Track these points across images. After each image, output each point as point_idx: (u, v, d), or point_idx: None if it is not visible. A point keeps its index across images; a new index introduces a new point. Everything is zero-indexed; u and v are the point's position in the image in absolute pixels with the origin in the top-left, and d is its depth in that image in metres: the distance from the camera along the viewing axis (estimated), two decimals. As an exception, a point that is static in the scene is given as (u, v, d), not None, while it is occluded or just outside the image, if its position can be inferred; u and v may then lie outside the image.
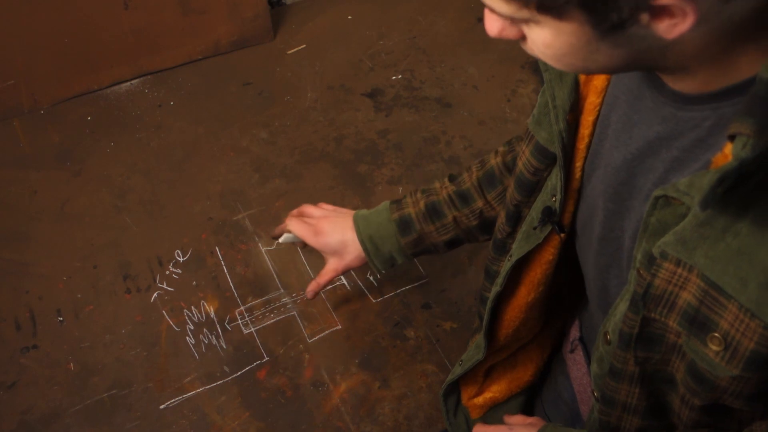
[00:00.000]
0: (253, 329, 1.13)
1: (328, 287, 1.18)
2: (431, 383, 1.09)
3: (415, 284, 1.20)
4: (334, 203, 1.29)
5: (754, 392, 0.57)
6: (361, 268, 1.13)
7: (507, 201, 0.85)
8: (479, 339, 0.92)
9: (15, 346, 1.10)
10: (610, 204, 0.69)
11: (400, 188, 1.33)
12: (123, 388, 1.06)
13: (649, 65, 0.56)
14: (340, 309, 1.16)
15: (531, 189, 0.81)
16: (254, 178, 1.34)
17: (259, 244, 1.24)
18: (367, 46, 1.60)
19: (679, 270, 0.57)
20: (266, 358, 1.10)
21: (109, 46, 1.43)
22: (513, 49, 1.60)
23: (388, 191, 1.33)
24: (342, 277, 1.20)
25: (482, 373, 0.98)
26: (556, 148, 0.73)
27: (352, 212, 1.06)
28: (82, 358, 1.09)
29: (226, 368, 1.09)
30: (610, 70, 0.57)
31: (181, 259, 1.21)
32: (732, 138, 0.50)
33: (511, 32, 0.56)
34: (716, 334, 0.56)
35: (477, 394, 1.00)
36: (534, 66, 1.56)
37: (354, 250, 1.03)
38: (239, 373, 1.08)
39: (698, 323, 0.57)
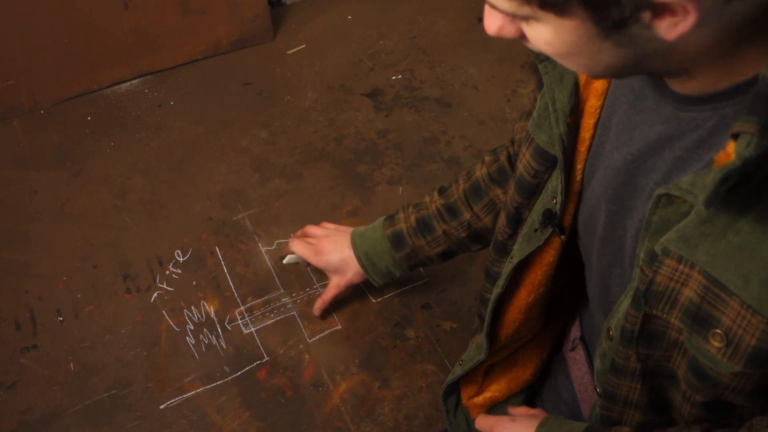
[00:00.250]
0: (253, 329, 1.13)
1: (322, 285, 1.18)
2: (431, 383, 1.09)
3: (415, 284, 1.20)
4: (334, 203, 1.30)
5: (755, 388, 0.58)
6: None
7: (507, 203, 0.86)
8: (480, 339, 0.92)
9: (15, 346, 1.10)
10: (611, 205, 0.69)
11: (400, 188, 1.33)
12: (123, 388, 1.06)
13: (653, 69, 0.56)
14: (340, 309, 1.16)
15: (531, 191, 0.81)
16: (254, 178, 1.34)
17: (259, 244, 1.24)
18: (367, 46, 1.60)
19: (681, 267, 0.57)
20: (266, 358, 1.10)
21: (109, 46, 1.43)
22: (513, 49, 1.60)
23: (388, 191, 1.33)
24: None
25: (482, 372, 0.99)
26: (556, 151, 0.73)
27: (351, 230, 1.10)
28: (82, 358, 1.09)
29: (226, 368, 1.09)
30: (615, 72, 0.57)
31: (181, 259, 1.21)
32: (735, 137, 0.50)
33: (510, 31, 0.56)
34: (718, 331, 0.56)
35: (477, 394, 1.00)
36: (534, 66, 1.56)
37: (353, 267, 1.08)
38: (239, 373, 1.08)
39: (700, 320, 0.57)
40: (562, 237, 0.79)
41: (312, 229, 1.15)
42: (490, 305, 0.88)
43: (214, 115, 1.44)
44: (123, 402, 1.05)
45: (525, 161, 0.80)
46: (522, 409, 0.90)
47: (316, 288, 1.19)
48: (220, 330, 1.13)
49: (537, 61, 0.72)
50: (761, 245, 0.52)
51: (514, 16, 0.54)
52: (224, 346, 1.11)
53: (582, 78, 0.71)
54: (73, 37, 1.39)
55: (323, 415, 1.05)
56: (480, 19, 1.67)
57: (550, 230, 0.79)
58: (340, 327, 1.14)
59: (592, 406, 0.78)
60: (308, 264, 1.14)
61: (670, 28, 0.48)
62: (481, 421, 0.89)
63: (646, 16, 0.48)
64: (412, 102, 1.48)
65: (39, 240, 1.23)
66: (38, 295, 1.16)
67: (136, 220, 1.26)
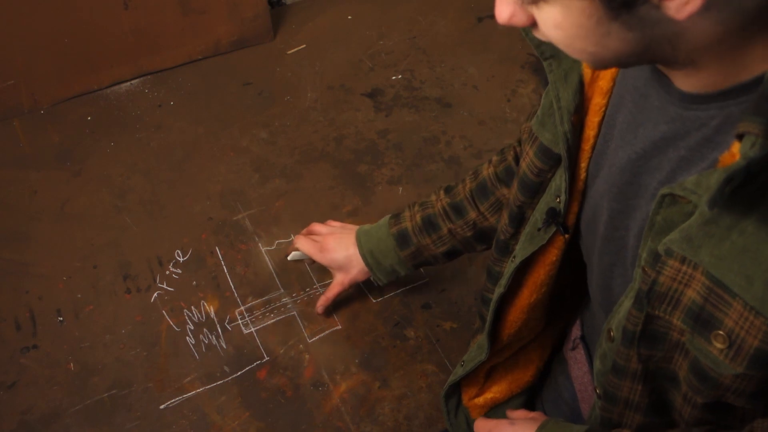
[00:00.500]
0: (253, 329, 1.13)
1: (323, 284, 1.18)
2: (431, 383, 1.09)
3: (415, 284, 1.20)
4: (334, 203, 1.30)
5: (756, 390, 0.58)
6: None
7: (510, 202, 0.86)
8: (481, 339, 0.92)
9: (15, 346, 1.10)
10: (615, 203, 0.69)
11: (400, 188, 1.33)
12: (123, 388, 1.06)
13: (660, 57, 0.55)
14: (340, 309, 1.16)
15: (535, 190, 0.81)
16: (254, 178, 1.34)
17: (259, 244, 1.24)
18: (367, 46, 1.60)
19: (684, 267, 0.57)
20: (266, 358, 1.10)
21: (109, 46, 1.43)
22: (513, 49, 1.60)
23: (388, 191, 1.33)
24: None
25: (483, 373, 0.99)
26: (560, 150, 0.73)
27: (356, 228, 1.10)
28: (82, 358, 1.09)
29: (226, 368, 1.09)
30: (622, 59, 0.56)
31: (181, 259, 1.21)
32: (740, 137, 0.50)
33: (521, 18, 0.56)
34: (720, 332, 0.56)
35: (478, 395, 1.00)
36: (534, 66, 1.56)
37: (358, 265, 1.08)
38: (239, 373, 1.08)
39: (702, 321, 0.57)
40: (566, 236, 0.79)
41: (317, 227, 1.16)
42: (492, 305, 0.88)
43: (214, 115, 1.44)
44: (123, 402, 1.05)
45: (528, 160, 0.80)
46: (521, 412, 0.90)
47: (317, 288, 1.19)
48: (220, 330, 1.13)
49: (542, 59, 0.71)
50: (765, 247, 0.52)
51: (523, 1, 0.54)
52: (224, 346, 1.11)
53: (587, 76, 0.71)
54: (73, 37, 1.39)
55: (323, 415, 1.05)
56: (480, 19, 1.67)
57: (553, 229, 0.79)
58: (340, 327, 1.14)
59: (591, 406, 0.78)
60: (312, 261, 1.14)
61: (680, 8, 0.47)
62: (480, 425, 0.89)
63: None
64: (412, 102, 1.48)
65: (39, 240, 1.23)
66: (38, 295, 1.16)
67: (136, 220, 1.26)
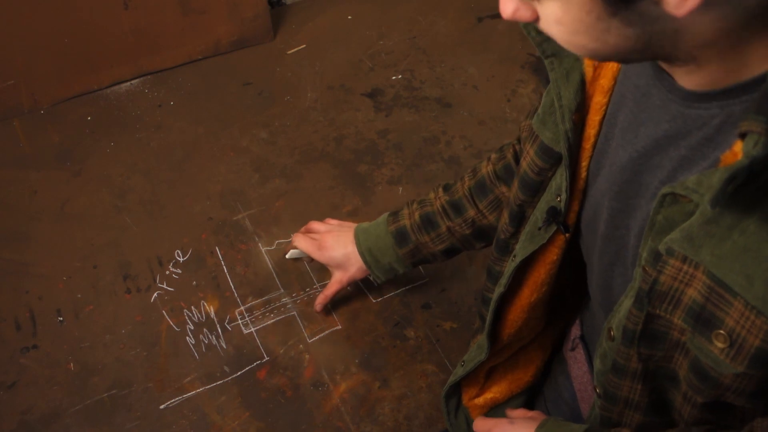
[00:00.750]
0: (253, 329, 1.13)
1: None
2: (431, 383, 1.09)
3: (415, 284, 1.20)
4: (334, 203, 1.30)
5: (756, 389, 0.58)
6: (362, 269, 1.13)
7: (510, 201, 0.86)
8: (481, 339, 0.92)
9: (15, 346, 1.10)
10: (615, 203, 0.69)
11: (400, 188, 1.33)
12: (123, 388, 1.06)
13: (661, 52, 0.55)
14: (340, 309, 1.16)
15: (535, 189, 0.81)
16: (254, 178, 1.34)
17: (259, 244, 1.24)
18: (367, 46, 1.60)
19: (685, 267, 0.57)
20: (266, 358, 1.10)
21: (109, 46, 1.43)
22: (513, 49, 1.60)
23: (388, 191, 1.33)
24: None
25: (483, 374, 0.99)
26: (561, 148, 0.73)
27: (355, 225, 1.10)
28: (82, 358, 1.09)
29: (226, 368, 1.09)
30: (623, 55, 0.56)
31: (181, 259, 1.21)
32: (742, 136, 0.50)
33: (525, 13, 0.56)
34: (721, 331, 0.56)
35: (478, 395, 1.00)
36: (534, 66, 1.56)
37: (356, 262, 1.08)
38: (239, 373, 1.08)
39: (703, 320, 0.57)
40: (567, 235, 0.79)
41: (315, 225, 1.16)
42: (492, 305, 0.88)
43: (214, 115, 1.44)
44: (123, 402, 1.05)
45: (529, 159, 0.80)
46: (520, 412, 0.90)
47: (316, 288, 1.19)
48: (220, 330, 1.13)
49: (543, 57, 0.71)
50: (766, 246, 0.52)
51: None
52: (224, 346, 1.11)
53: (588, 74, 0.71)
54: (73, 37, 1.38)
55: (323, 415, 1.05)
56: (480, 19, 1.67)
57: (553, 228, 0.79)
58: (340, 327, 1.14)
59: (591, 406, 0.78)
60: (311, 259, 1.14)
61: (679, 4, 0.47)
62: (479, 424, 0.89)
63: None
64: (412, 102, 1.48)
65: (39, 240, 1.23)
66: (38, 295, 1.16)
67: (136, 220, 1.26)
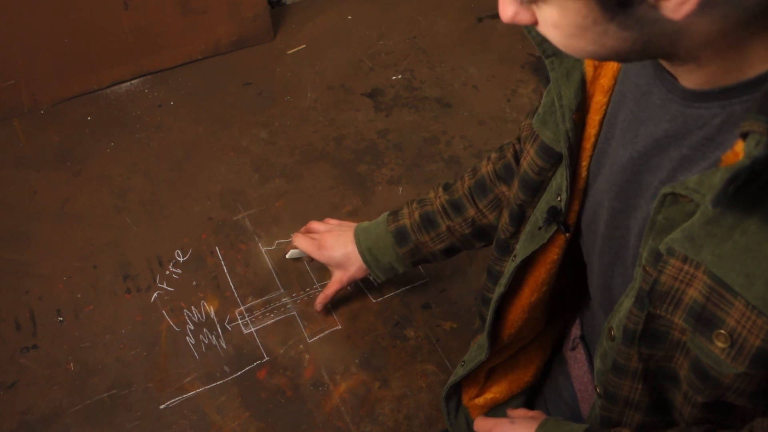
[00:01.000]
0: (253, 329, 1.13)
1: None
2: (431, 383, 1.09)
3: (415, 284, 1.20)
4: (334, 203, 1.30)
5: (757, 389, 0.58)
6: (362, 269, 1.13)
7: (511, 201, 0.86)
8: (482, 339, 0.92)
9: (15, 346, 1.10)
10: (616, 202, 0.69)
11: (400, 188, 1.33)
12: (123, 388, 1.06)
13: (660, 52, 0.55)
14: (340, 309, 1.16)
15: (536, 189, 0.81)
16: (254, 178, 1.34)
17: (259, 244, 1.24)
18: (367, 46, 1.60)
19: (686, 267, 0.57)
20: (266, 358, 1.10)
21: (109, 46, 1.43)
22: (513, 49, 1.60)
23: (388, 191, 1.33)
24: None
25: (483, 374, 0.99)
26: (562, 148, 0.73)
27: (354, 225, 1.10)
28: (82, 358, 1.09)
29: (226, 368, 1.09)
30: (621, 56, 0.56)
31: (181, 259, 1.21)
32: (744, 136, 0.50)
33: (524, 16, 0.56)
34: (722, 331, 0.56)
35: (478, 395, 1.00)
36: (534, 66, 1.56)
37: (356, 262, 1.08)
38: (239, 373, 1.08)
39: (704, 320, 0.57)
40: (567, 235, 0.79)
41: (315, 225, 1.16)
42: (492, 305, 0.88)
43: (214, 115, 1.44)
44: (123, 402, 1.05)
45: (529, 158, 0.80)
46: (521, 411, 0.90)
47: (316, 288, 1.18)
48: (220, 330, 1.13)
49: (544, 57, 0.71)
50: (767, 246, 0.52)
51: (522, 0, 0.54)
52: (224, 346, 1.11)
53: (589, 74, 0.71)
54: (73, 37, 1.38)
55: (323, 415, 1.05)
56: (480, 19, 1.67)
57: (554, 228, 0.79)
58: (340, 327, 1.14)
59: (591, 405, 0.78)
60: (311, 259, 1.14)
61: (677, 8, 0.48)
62: (480, 424, 0.89)
63: None
64: (412, 102, 1.48)
65: (39, 240, 1.23)
66: (38, 295, 1.16)
67: (136, 220, 1.26)
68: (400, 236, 1.04)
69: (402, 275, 1.10)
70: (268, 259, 1.22)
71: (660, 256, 0.59)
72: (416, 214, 1.03)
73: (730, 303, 0.55)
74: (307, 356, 1.11)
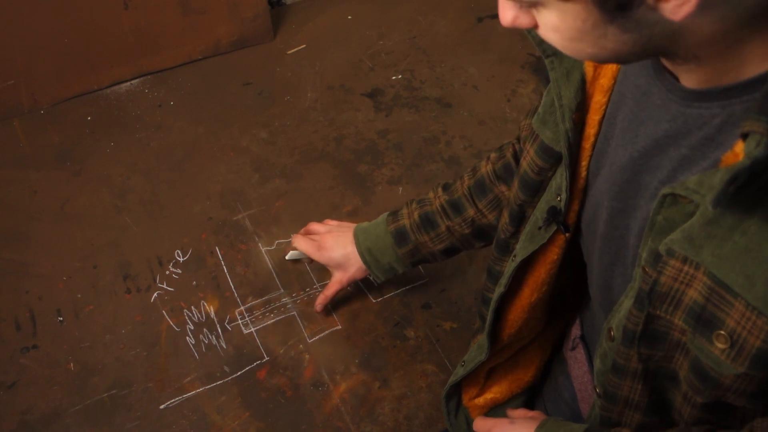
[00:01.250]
0: (253, 329, 1.13)
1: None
2: (431, 383, 1.09)
3: (415, 284, 1.20)
4: (334, 203, 1.30)
5: (756, 390, 0.58)
6: (362, 269, 1.13)
7: (511, 201, 0.86)
8: (482, 339, 0.92)
9: (15, 346, 1.10)
10: (615, 202, 0.69)
11: (400, 188, 1.33)
12: (123, 388, 1.06)
13: (660, 51, 0.55)
14: (340, 309, 1.16)
15: (535, 189, 0.81)
16: (254, 178, 1.34)
17: (259, 244, 1.24)
18: (367, 46, 1.60)
19: (686, 268, 0.57)
20: (266, 358, 1.10)
21: (109, 46, 1.43)
22: (513, 49, 1.60)
23: (388, 191, 1.33)
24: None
25: (483, 374, 0.99)
26: (561, 148, 0.73)
27: (354, 226, 1.10)
28: (82, 358, 1.09)
29: (226, 368, 1.09)
30: (621, 58, 0.56)
31: (181, 259, 1.21)
32: (744, 136, 0.50)
33: (524, 20, 0.56)
34: (722, 332, 0.56)
35: (478, 395, 1.00)
36: (534, 66, 1.56)
37: (356, 263, 1.08)
38: (239, 373, 1.08)
39: (704, 321, 0.57)
40: (567, 235, 0.79)
41: (315, 226, 1.16)
42: (492, 305, 0.88)
43: (214, 115, 1.44)
44: (123, 402, 1.05)
45: (529, 158, 0.80)
46: (521, 411, 0.90)
47: (316, 288, 1.19)
48: (220, 330, 1.13)
49: (544, 57, 0.71)
50: (767, 247, 0.52)
51: (521, 4, 0.54)
52: (224, 346, 1.11)
53: (588, 74, 0.71)
54: (73, 37, 1.38)
55: (323, 415, 1.05)
56: (480, 19, 1.67)
57: (554, 228, 0.79)
58: (340, 327, 1.14)
59: (591, 405, 0.78)
60: (311, 260, 1.14)
61: (676, 10, 0.48)
62: (479, 424, 0.89)
63: None
64: (412, 102, 1.48)
65: (39, 240, 1.23)
66: (38, 295, 1.16)
67: (136, 220, 1.26)
68: (400, 237, 1.04)
69: (402, 275, 1.10)
70: (268, 259, 1.22)
71: (659, 257, 0.59)
72: (416, 215, 1.03)
73: (730, 304, 0.55)
74: (307, 356, 1.11)
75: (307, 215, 1.26)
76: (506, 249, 0.88)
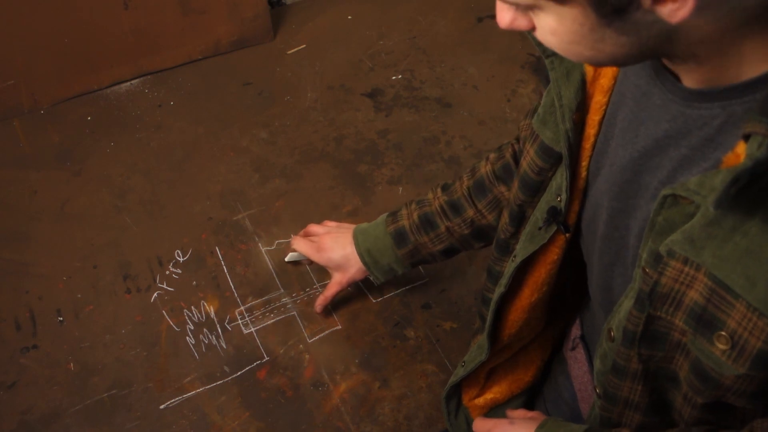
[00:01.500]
0: (253, 329, 1.13)
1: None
2: (431, 383, 1.09)
3: (415, 284, 1.20)
4: (334, 203, 1.30)
5: (757, 390, 0.58)
6: (362, 269, 1.13)
7: (510, 201, 0.86)
8: (482, 340, 0.92)
9: (15, 346, 1.10)
10: (615, 203, 0.69)
11: (400, 188, 1.33)
12: (123, 388, 1.06)
13: (658, 53, 0.56)
14: (340, 309, 1.16)
15: (535, 189, 0.81)
16: (254, 178, 1.34)
17: (259, 244, 1.24)
18: (367, 46, 1.60)
19: (687, 269, 0.57)
20: (266, 358, 1.10)
21: (109, 46, 1.43)
22: (513, 49, 1.60)
23: (388, 191, 1.33)
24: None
25: (484, 374, 0.99)
26: (561, 148, 0.73)
27: (353, 227, 1.10)
28: (82, 358, 1.09)
29: (226, 368, 1.09)
30: (619, 61, 0.56)
31: (181, 259, 1.21)
32: (746, 137, 0.50)
33: (522, 23, 0.56)
34: (723, 333, 0.56)
35: (478, 395, 1.00)
36: (534, 66, 1.56)
37: (355, 264, 1.08)
38: (239, 373, 1.08)
39: (705, 322, 0.57)
40: (567, 235, 0.79)
41: (314, 228, 1.16)
42: (492, 305, 0.88)
43: (214, 115, 1.44)
44: (123, 402, 1.05)
45: (529, 158, 0.80)
46: (520, 412, 0.90)
47: (316, 288, 1.19)
48: (220, 330, 1.13)
49: (544, 57, 0.72)
50: None
51: (517, 7, 0.54)
52: (224, 346, 1.11)
53: (589, 74, 0.71)
54: (73, 37, 1.38)
55: (323, 415, 1.05)
56: (480, 19, 1.67)
57: (554, 228, 0.79)
58: (340, 327, 1.14)
59: (591, 406, 0.78)
60: (310, 261, 1.14)
61: (673, 12, 0.48)
62: (479, 424, 0.89)
63: (646, 0, 0.48)
64: (412, 102, 1.48)
65: (39, 240, 1.23)
66: (38, 295, 1.16)
67: (136, 220, 1.26)
68: (399, 237, 1.04)
69: (402, 275, 1.10)
70: (268, 259, 1.22)
71: (660, 258, 0.59)
72: (415, 215, 1.03)
73: (731, 305, 0.55)
74: (307, 356, 1.11)
75: (307, 215, 1.26)
76: (506, 249, 0.88)
